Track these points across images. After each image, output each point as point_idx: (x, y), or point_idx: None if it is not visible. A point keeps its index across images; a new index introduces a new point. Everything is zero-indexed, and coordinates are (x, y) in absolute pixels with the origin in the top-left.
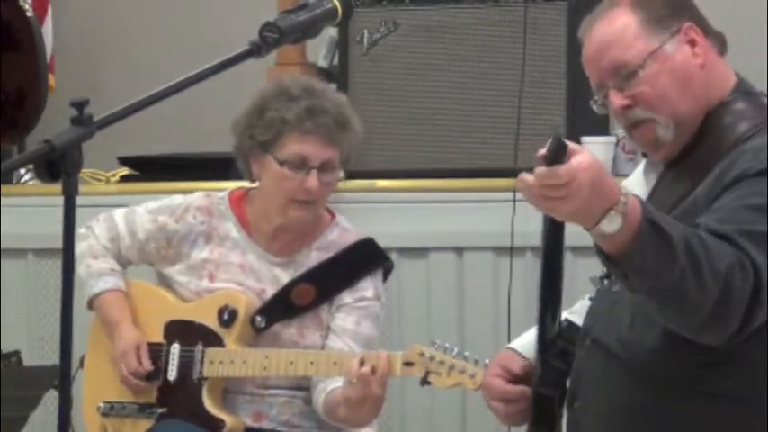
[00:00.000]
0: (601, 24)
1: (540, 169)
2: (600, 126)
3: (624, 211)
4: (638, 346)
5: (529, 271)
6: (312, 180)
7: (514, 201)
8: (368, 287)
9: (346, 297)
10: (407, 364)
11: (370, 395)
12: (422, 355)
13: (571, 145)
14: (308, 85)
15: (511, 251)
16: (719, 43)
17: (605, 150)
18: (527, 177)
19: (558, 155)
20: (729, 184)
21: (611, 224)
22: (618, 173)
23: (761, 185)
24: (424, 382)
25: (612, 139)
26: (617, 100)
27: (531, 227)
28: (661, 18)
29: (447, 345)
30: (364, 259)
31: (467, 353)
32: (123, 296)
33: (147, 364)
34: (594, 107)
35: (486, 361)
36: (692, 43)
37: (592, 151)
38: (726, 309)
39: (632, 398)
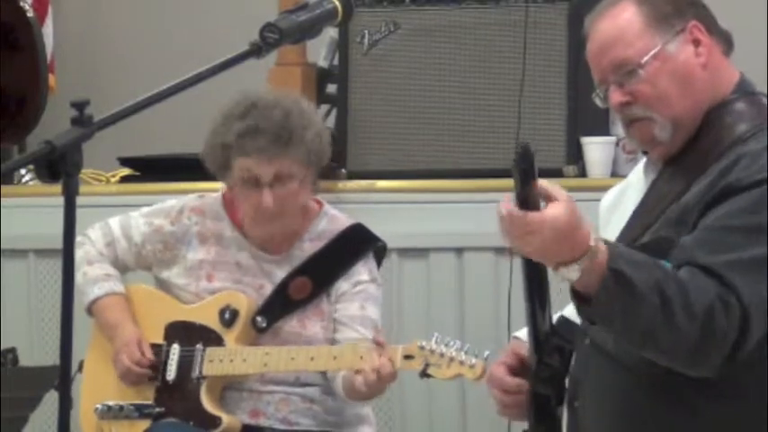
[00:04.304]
0: (605, 20)
1: (514, 210)
2: (600, 126)
3: (589, 262)
4: None
5: None
6: (266, 197)
7: None
8: (362, 271)
9: (343, 285)
10: (407, 357)
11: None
12: (422, 348)
13: (553, 190)
14: (252, 103)
15: (511, 251)
16: (725, 42)
17: (605, 150)
18: (504, 208)
19: (525, 163)
20: (721, 193)
21: (569, 272)
22: (618, 173)
23: (749, 200)
24: (424, 374)
25: (612, 139)
26: (616, 96)
27: None
28: (665, 16)
29: (448, 338)
30: (356, 245)
31: (467, 345)
32: (121, 299)
33: (150, 355)
34: (597, 101)
35: (487, 353)
36: (696, 42)
37: (570, 204)
38: (707, 347)
39: (631, 398)
